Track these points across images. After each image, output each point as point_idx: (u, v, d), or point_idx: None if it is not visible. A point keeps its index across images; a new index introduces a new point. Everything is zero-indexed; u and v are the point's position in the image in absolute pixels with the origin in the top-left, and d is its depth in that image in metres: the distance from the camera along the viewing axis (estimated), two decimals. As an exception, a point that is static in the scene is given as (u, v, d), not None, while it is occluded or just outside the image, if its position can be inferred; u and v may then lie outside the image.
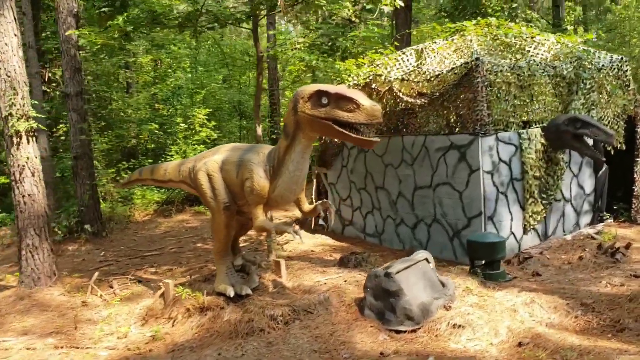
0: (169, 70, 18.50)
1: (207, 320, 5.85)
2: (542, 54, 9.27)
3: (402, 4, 7.70)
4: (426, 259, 6.09)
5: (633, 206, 9.33)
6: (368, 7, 6.85)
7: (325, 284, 6.96)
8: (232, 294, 5.93)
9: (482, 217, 7.40)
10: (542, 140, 7.94)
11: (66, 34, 9.24)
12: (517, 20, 11.29)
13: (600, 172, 8.84)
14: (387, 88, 9.02)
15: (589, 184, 8.74)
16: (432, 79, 8.42)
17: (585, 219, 8.79)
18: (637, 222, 9.20)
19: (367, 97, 5.05)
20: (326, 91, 5.02)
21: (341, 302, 6.06)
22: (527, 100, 8.18)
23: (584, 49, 9.26)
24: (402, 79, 8.84)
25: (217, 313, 5.87)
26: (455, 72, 7.98)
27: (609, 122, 9.10)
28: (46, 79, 15.98)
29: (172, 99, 16.88)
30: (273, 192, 5.69)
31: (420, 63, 9.80)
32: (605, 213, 9.05)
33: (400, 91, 8.85)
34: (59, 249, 10.22)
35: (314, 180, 10.54)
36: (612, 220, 9.46)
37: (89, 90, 15.85)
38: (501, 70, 7.86)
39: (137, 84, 18.77)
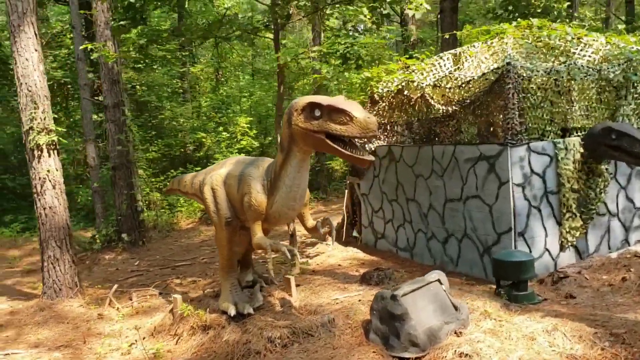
0: (222, 79, 18.70)
1: (207, 340, 5.70)
2: (589, 56, 8.61)
3: (446, 6, 7.29)
4: (439, 280, 5.67)
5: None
6: (385, 12, 6.51)
7: (341, 302, 6.67)
8: (233, 312, 5.75)
9: (512, 233, 6.89)
10: (582, 150, 7.31)
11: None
12: (568, 20, 10.57)
13: (653, 183, 8.06)
14: (419, 95, 8.63)
15: (639, 197, 8.00)
16: (463, 85, 7.97)
17: (637, 235, 8.03)
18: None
19: (362, 108, 4.72)
20: (319, 103, 4.75)
21: (347, 324, 5.74)
22: (567, 107, 7.58)
23: (637, 49, 8.51)
24: (434, 85, 8.43)
25: (218, 332, 5.71)
26: (487, 77, 7.51)
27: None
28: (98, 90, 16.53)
29: (222, 108, 17.02)
30: (271, 208, 5.47)
31: (458, 68, 9.35)
32: (659, 228, 8.26)
33: (432, 98, 8.44)
34: (96, 258, 10.43)
35: (346, 191, 10.24)
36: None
37: (139, 100, 16.25)
38: (536, 75, 7.32)
39: (191, 93, 19.07)
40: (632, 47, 8.56)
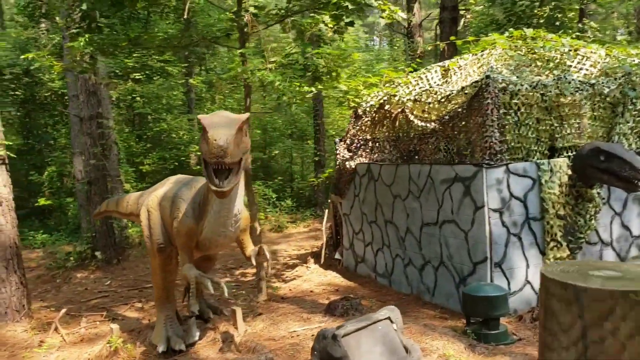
0: (226, 91, 18.32)
1: (134, 377, 5.16)
2: (586, 70, 7.94)
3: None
4: (389, 318, 5.05)
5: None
6: (347, 20, 5.96)
7: (297, 335, 6.09)
8: (161, 349, 5.21)
9: (487, 263, 6.23)
10: (569, 172, 6.63)
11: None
12: (573, 32, 9.88)
13: (654, 209, 7.31)
14: (399, 110, 8.06)
15: (637, 225, 7.24)
16: (442, 100, 7.37)
17: (634, 265, 7.27)
18: None
19: (230, 129, 4.07)
20: (199, 119, 4.21)
21: (288, 365, 5.16)
22: (556, 125, 6.92)
23: (638, 62, 7.81)
24: (415, 100, 7.84)
25: (145, 369, 5.17)
26: (466, 92, 6.90)
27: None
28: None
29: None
30: (200, 234, 4.93)
31: (445, 82, 8.75)
32: (661, 259, 7.48)
33: (412, 113, 7.86)
34: (68, 276, 10.02)
35: (326, 210, 9.66)
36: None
37: (137, 113, 15.95)
38: (519, 90, 6.68)
39: (196, 104, 18.72)
40: (633, 60, 7.86)
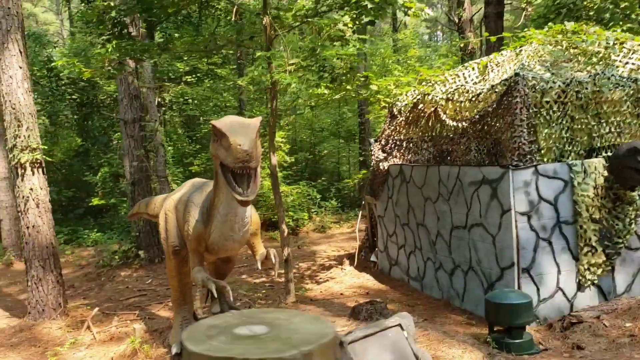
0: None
1: (149, 377, 5.26)
2: (632, 64, 7.50)
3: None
4: (400, 325, 4.92)
5: None
6: (367, 19, 5.84)
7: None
8: (174, 351, 5.26)
9: (514, 269, 5.98)
10: (606, 174, 6.27)
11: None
12: (621, 24, 9.33)
13: None
14: (432, 109, 7.87)
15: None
16: (473, 98, 7.14)
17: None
18: None
19: (250, 133, 4.06)
20: (214, 125, 4.21)
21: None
22: (593, 123, 6.57)
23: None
24: (447, 99, 7.64)
25: (160, 370, 5.26)
26: (496, 90, 6.66)
27: None
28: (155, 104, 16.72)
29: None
30: (209, 238, 4.95)
31: (483, 79, 8.47)
32: None
33: (445, 113, 7.66)
34: (112, 275, 10.34)
35: (360, 212, 9.55)
36: None
37: (188, 114, 16.31)
38: (551, 87, 6.38)
39: (248, 105, 18.96)
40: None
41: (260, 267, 5.30)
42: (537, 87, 6.35)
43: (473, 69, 8.65)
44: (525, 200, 5.98)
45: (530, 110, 6.25)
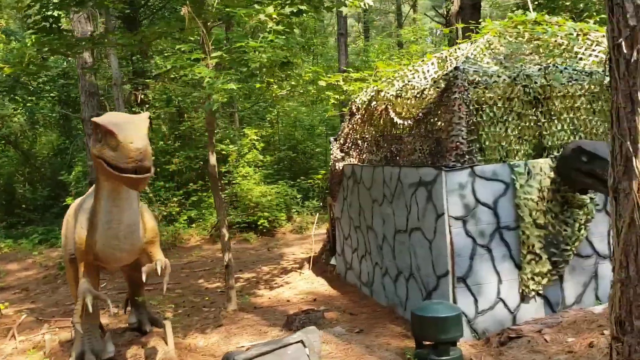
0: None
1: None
2: (595, 56, 7.00)
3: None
4: (301, 342, 4.51)
5: None
6: (290, 9, 5.39)
7: (240, 351, 5.66)
8: (72, 364, 4.92)
9: (449, 278, 5.53)
10: (552, 175, 5.78)
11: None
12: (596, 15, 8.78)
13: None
14: (383, 107, 7.44)
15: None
16: (418, 95, 6.70)
17: (641, 282, 6.28)
18: None
19: (140, 130, 3.73)
20: (97, 123, 3.85)
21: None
22: (543, 120, 6.09)
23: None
24: (397, 96, 7.20)
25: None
26: (438, 86, 6.21)
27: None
28: (138, 101, 16.40)
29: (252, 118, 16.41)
30: (95, 246, 4.59)
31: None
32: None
33: (395, 110, 7.23)
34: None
35: (316, 215, 9.15)
36: None
37: (167, 110, 15.97)
38: (495, 82, 5.92)
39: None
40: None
41: (144, 279, 4.92)
42: (479, 82, 5.89)
43: (433, 63, 8.20)
44: (460, 203, 5.52)
45: (471, 107, 5.80)
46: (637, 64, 2.93)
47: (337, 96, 7.47)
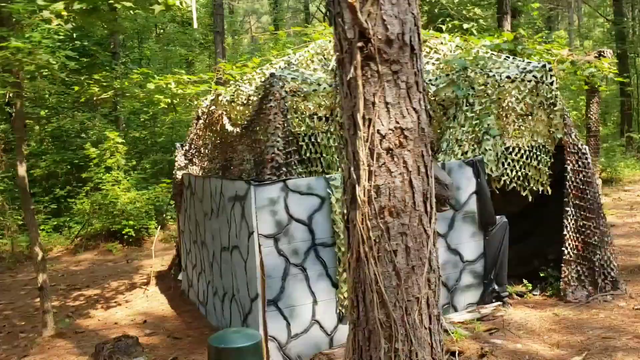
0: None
1: None
2: (432, 64, 6.86)
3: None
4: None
5: (563, 275, 6.60)
6: (79, 5, 4.82)
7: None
8: None
9: (259, 302, 5.13)
10: (371, 189, 5.51)
11: None
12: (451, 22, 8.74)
13: (493, 229, 6.20)
14: (219, 113, 6.98)
15: (470, 248, 6.11)
16: (246, 101, 6.29)
17: (470, 296, 6.17)
18: (567, 299, 6.47)
19: None
20: None
21: None
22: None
23: (488, 53, 6.73)
24: (231, 101, 6.76)
25: None
26: (258, 93, 5.82)
27: (523, 156, 6.48)
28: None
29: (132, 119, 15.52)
30: None
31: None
32: (504, 287, 6.37)
33: (229, 117, 6.78)
34: None
35: (158, 228, 8.58)
36: (538, 294, 6.80)
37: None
38: (315, 90, 5.59)
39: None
40: (481, 49, 6.75)
41: None
42: (298, 91, 5.54)
43: (280, 67, 7.83)
44: (272, 220, 5.13)
45: (290, 116, 5.44)
46: (356, 82, 2.59)
47: (167, 100, 6.90)
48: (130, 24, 18.05)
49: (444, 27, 7.95)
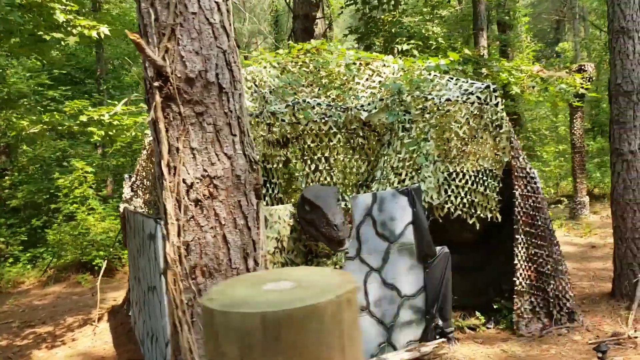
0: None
1: None
2: (373, 87, 6.59)
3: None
4: None
5: (515, 307, 6.22)
6: None
7: None
8: None
9: (169, 348, 4.81)
10: (293, 223, 5.20)
11: None
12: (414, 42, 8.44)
13: (434, 260, 5.84)
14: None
15: (409, 281, 5.76)
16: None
17: (411, 333, 5.80)
18: (520, 333, 6.09)
19: None
20: None
21: None
22: (295, 161, 5.53)
23: (430, 75, 6.44)
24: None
25: None
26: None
27: (468, 182, 6.15)
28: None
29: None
30: None
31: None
32: (449, 322, 6.00)
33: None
34: None
35: (105, 260, 8.31)
36: (492, 327, 6.42)
37: None
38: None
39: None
40: (418, 73, 6.46)
41: None
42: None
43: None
44: (182, 261, 4.83)
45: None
46: (158, 125, 2.31)
47: (101, 132, 6.67)
48: (113, 50, 17.99)
49: (397, 48, 7.66)
